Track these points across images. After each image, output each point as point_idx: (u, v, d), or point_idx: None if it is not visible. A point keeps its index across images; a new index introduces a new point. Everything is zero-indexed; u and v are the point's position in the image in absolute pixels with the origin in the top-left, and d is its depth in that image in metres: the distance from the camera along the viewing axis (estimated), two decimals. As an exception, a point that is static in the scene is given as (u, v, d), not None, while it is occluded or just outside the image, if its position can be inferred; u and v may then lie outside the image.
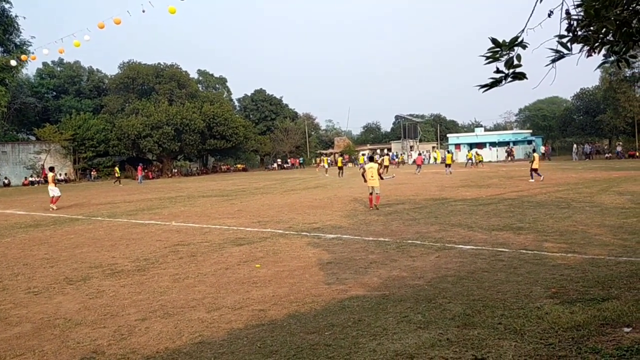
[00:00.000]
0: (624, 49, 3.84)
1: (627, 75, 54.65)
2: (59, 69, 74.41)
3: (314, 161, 79.70)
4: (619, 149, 57.78)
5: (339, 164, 40.60)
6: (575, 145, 59.51)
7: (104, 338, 5.85)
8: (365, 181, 17.54)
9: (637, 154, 54.52)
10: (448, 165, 39.92)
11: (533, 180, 26.10)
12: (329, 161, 55.82)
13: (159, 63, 74.56)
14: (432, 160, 69.19)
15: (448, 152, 45.10)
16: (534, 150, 29.83)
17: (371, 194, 17.36)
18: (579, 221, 12.49)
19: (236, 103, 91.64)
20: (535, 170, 26.58)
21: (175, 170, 70.00)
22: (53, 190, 23.74)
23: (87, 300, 7.50)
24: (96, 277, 9.06)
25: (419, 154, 49.51)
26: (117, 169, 51.11)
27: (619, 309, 5.67)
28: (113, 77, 73.73)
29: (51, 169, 26.34)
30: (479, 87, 3.76)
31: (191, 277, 8.66)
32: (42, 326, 6.42)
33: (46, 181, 58.72)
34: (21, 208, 25.72)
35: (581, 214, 13.71)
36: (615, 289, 6.52)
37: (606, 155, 58.21)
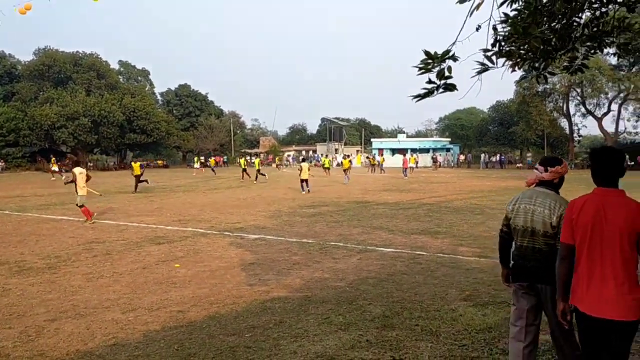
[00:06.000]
0: (542, 65, 4.07)
1: (539, 90, 57.84)
2: (-35, 51, 69.40)
3: (238, 160, 78.88)
4: (529, 159, 61.25)
5: (257, 167, 35.89)
6: (482, 155, 62.77)
7: (9, 339, 5.50)
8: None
9: (545, 165, 57.96)
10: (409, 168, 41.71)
11: (304, 192, 24.53)
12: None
13: (77, 51, 70.98)
14: (355, 163, 70.33)
15: (411, 155, 49.65)
16: (303, 160, 29.71)
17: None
18: (491, 227, 13.08)
19: (159, 97, 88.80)
20: (304, 181, 25.01)
21: (91, 164, 66.91)
22: None
23: (-10, 300, 7.03)
24: (2, 274, 8.50)
25: (404, 157, 44.18)
26: (53, 160, 47.98)
27: (527, 311, 5.99)
28: (27, 64, 69.47)
29: None
30: (412, 98, 3.87)
31: (106, 276, 8.32)
32: (-63, 327, 5.94)
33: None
34: None
35: (494, 220, 14.37)
36: (524, 292, 6.87)
37: (518, 165, 61.48)
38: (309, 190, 24.66)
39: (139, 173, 27.59)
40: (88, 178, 15.41)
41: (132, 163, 30.94)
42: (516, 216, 3.96)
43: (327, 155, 52.96)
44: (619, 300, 3.05)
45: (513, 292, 4.10)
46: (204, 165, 52.75)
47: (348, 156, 45.00)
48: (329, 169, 40.95)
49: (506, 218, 4.12)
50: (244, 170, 36.45)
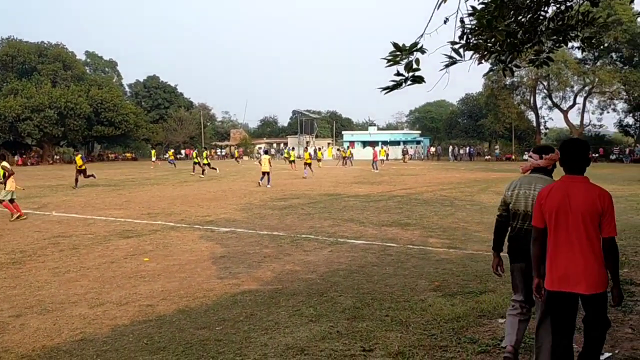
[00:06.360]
0: (509, 58, 4.13)
1: (507, 83, 58.52)
2: None
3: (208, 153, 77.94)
4: (497, 151, 62.14)
5: (205, 160, 33.32)
6: (451, 147, 63.56)
7: (-29, 337, 5.36)
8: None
9: (513, 157, 58.86)
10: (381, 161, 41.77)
11: (268, 186, 23.81)
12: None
13: (42, 41, 69.16)
14: (327, 156, 70.14)
15: (382, 148, 49.84)
16: (265, 152, 27.88)
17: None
18: (460, 218, 13.28)
19: (127, 89, 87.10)
20: (265, 173, 24.36)
21: (58, 157, 65.51)
22: None
23: (-49, 296, 6.83)
24: (-37, 270, 8.28)
25: (374, 149, 42.97)
26: None
27: (495, 301, 6.10)
28: (-11, 54, 67.45)
29: None
30: (381, 90, 3.87)
31: (73, 270, 8.18)
32: None
33: None
34: None
35: (463, 211, 14.58)
36: (491, 282, 7.00)
37: (486, 157, 62.35)
38: (259, 184, 23.99)
39: (81, 165, 24.83)
40: (12, 173, 14.45)
41: (75, 156, 26.91)
42: (516, 201, 4.22)
43: (292, 148, 52.45)
44: (587, 276, 3.39)
45: (511, 272, 4.38)
46: (162, 158, 52.11)
47: (306, 149, 42.95)
48: (293, 161, 40.00)
49: (504, 203, 4.38)
50: (197, 163, 34.80)
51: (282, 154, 65.44)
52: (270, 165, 24.73)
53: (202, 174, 32.47)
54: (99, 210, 15.93)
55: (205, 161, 33.24)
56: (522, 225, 4.20)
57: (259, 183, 24.11)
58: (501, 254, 4.56)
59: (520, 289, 4.32)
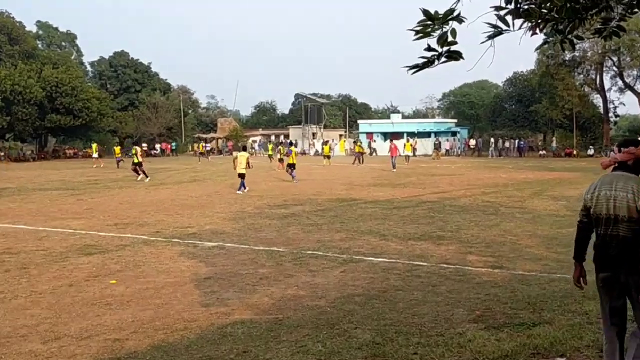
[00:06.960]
0: (569, 27, 4.09)
1: (567, 59, 58.12)
2: None
3: (190, 147, 78.10)
4: (554, 145, 61.65)
5: (136, 159, 30.54)
6: (492, 140, 62.92)
7: None
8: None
9: (575, 152, 58.30)
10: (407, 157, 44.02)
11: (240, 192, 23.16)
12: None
13: (-18, 9, 70.16)
14: (339, 151, 69.91)
15: (407, 140, 50.85)
16: (244, 148, 26.11)
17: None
18: (507, 230, 13.23)
19: (89, 68, 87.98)
20: (241, 176, 23.56)
21: (2, 154, 66.01)
22: None
23: None
24: None
25: (391, 143, 42.35)
26: None
27: (552, 335, 6.06)
28: None
29: None
30: (407, 69, 3.83)
31: (21, 296, 8.22)
32: None
33: None
34: None
35: (510, 221, 14.53)
36: (547, 311, 6.96)
37: (540, 152, 61.71)
38: (244, 190, 22.82)
39: None
40: None
41: None
42: (597, 204, 4.48)
43: (282, 143, 52.23)
44: None
45: (597, 287, 4.63)
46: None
47: (295, 145, 41.84)
48: (282, 160, 39.00)
49: (585, 208, 4.67)
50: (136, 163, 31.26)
51: (264, 149, 64.08)
52: (249, 166, 23.84)
53: (138, 176, 30.55)
54: (54, 220, 16.02)
55: (135, 160, 30.75)
56: (607, 231, 4.42)
57: (243, 190, 22.96)
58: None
59: (607, 307, 4.52)
